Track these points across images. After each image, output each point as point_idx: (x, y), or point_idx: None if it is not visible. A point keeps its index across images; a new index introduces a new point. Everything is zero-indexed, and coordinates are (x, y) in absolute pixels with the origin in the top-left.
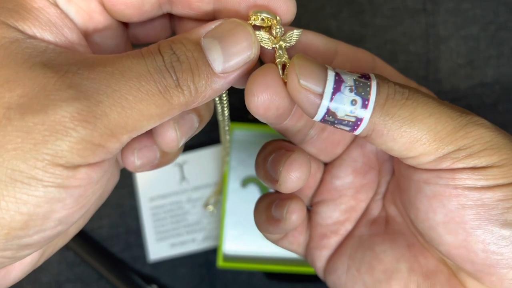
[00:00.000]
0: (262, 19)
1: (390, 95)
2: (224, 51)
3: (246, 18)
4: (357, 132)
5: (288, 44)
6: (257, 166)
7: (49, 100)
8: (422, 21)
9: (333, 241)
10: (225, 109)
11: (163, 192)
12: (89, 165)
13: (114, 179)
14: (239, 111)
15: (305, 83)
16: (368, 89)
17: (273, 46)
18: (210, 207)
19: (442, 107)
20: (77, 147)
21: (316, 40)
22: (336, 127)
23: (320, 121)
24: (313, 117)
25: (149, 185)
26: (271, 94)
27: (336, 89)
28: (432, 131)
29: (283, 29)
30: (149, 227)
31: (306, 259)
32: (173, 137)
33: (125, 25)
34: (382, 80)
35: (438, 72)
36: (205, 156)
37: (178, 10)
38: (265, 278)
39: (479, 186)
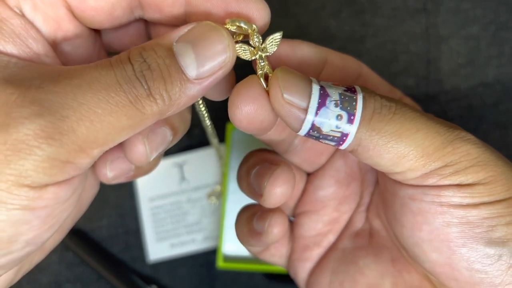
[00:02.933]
0: (239, 27)
1: (377, 109)
2: (198, 56)
3: (219, 23)
4: (342, 147)
5: (268, 53)
6: (240, 178)
7: (10, 118)
8: (423, 21)
9: (316, 253)
10: (205, 114)
11: (163, 192)
12: (57, 183)
13: (93, 190)
14: None
15: (289, 97)
16: (354, 103)
17: (253, 57)
18: (213, 199)
19: (429, 122)
20: (43, 166)
21: (307, 51)
22: (321, 142)
23: (305, 135)
24: (298, 131)
25: (148, 185)
26: (256, 107)
27: (321, 104)
28: (419, 146)
29: (260, 37)
30: (148, 227)
31: (288, 271)
32: (142, 151)
33: (98, 32)
34: (369, 93)
35: (439, 72)
36: (205, 156)
37: (149, 15)
38: (265, 278)
39: (464, 204)
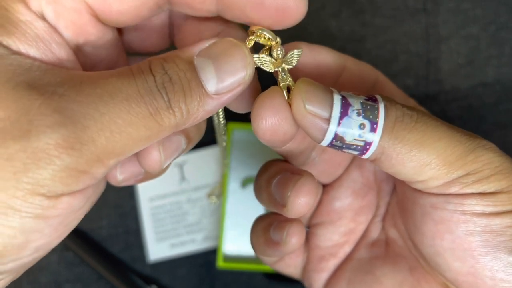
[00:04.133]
0: (264, 38)
1: (399, 118)
2: (218, 72)
3: (251, 19)
4: (366, 156)
5: (290, 66)
6: (259, 188)
7: (33, 126)
8: (423, 21)
9: (332, 264)
10: (221, 118)
11: (163, 192)
12: (72, 193)
13: (99, 190)
14: None
15: (311, 108)
16: (376, 112)
17: (275, 69)
18: (213, 198)
19: (450, 130)
20: (60, 175)
21: (326, 57)
22: (344, 152)
23: (328, 146)
24: (320, 142)
25: (149, 185)
26: (280, 118)
27: (344, 113)
28: (441, 155)
29: (284, 50)
30: (148, 227)
31: (303, 281)
32: (156, 159)
33: (119, 31)
34: (390, 102)
35: (439, 72)
36: (205, 156)
37: (178, 9)
38: (265, 278)
39: (487, 212)
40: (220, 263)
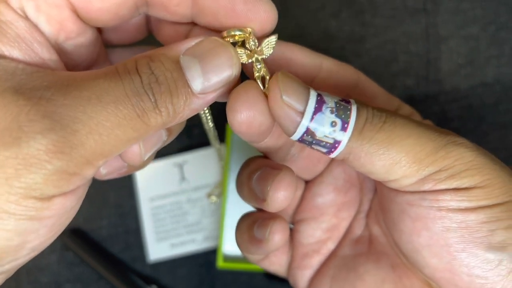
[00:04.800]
0: (235, 36)
1: (369, 119)
2: (204, 71)
3: (223, 25)
4: (333, 155)
5: (265, 56)
6: (240, 184)
7: (22, 132)
8: (422, 21)
9: (316, 260)
10: (209, 118)
11: (163, 192)
12: (64, 194)
13: (88, 186)
14: None
15: (287, 99)
16: (348, 112)
17: (250, 60)
18: (213, 198)
19: (420, 128)
20: (52, 179)
21: (300, 55)
22: (313, 148)
23: (298, 140)
24: (291, 135)
25: (149, 185)
26: (254, 110)
27: (317, 109)
28: (410, 152)
29: (256, 41)
30: (149, 227)
31: (288, 279)
32: (136, 152)
33: (99, 29)
34: (361, 104)
35: (439, 72)
36: (205, 156)
37: (155, 13)
38: (265, 278)
39: (462, 208)
40: (220, 263)
